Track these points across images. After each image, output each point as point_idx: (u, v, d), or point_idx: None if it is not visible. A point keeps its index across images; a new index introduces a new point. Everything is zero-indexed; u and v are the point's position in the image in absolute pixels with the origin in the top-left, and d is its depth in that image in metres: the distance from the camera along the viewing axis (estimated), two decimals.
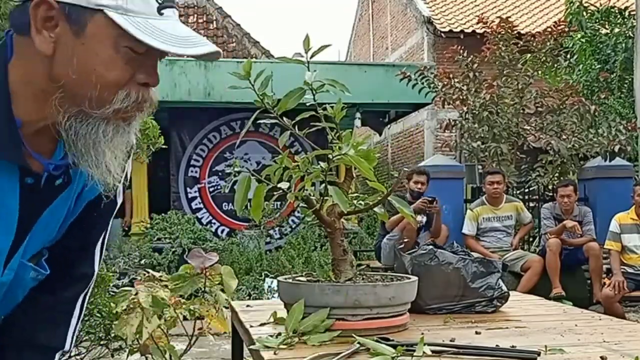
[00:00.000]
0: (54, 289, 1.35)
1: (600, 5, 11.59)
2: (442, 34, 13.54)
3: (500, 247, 6.98)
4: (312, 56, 1.80)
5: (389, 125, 12.84)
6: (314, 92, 1.78)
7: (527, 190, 8.69)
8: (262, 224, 8.97)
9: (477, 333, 1.85)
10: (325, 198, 1.77)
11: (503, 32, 8.73)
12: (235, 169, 2.12)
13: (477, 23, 9.82)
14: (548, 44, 8.86)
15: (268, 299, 6.43)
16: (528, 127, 8.64)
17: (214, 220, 9.76)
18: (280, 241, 9.36)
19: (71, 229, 1.32)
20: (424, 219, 6.91)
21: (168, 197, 9.66)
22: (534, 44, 8.83)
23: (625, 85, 10.72)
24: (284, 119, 1.82)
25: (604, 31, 11.31)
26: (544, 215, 7.06)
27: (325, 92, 1.81)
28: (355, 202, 1.88)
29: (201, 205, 9.82)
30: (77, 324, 1.41)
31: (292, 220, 9.81)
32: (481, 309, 2.19)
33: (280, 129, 1.83)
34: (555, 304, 2.66)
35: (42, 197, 1.22)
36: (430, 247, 2.30)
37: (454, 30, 13.44)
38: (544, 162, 8.28)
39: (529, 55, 8.76)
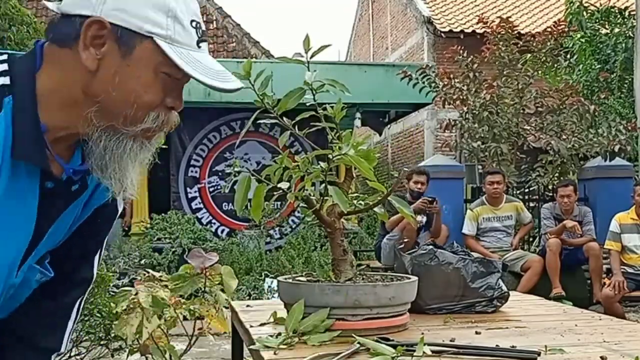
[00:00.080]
0: (54, 293, 1.37)
1: (600, 5, 11.59)
2: (442, 34, 13.54)
3: (500, 247, 6.98)
4: (312, 56, 1.80)
5: (389, 125, 12.84)
6: (314, 92, 1.78)
7: (527, 190, 8.69)
8: (262, 224, 8.97)
9: (477, 333, 1.86)
10: (325, 198, 1.77)
11: (503, 32, 8.73)
12: (235, 169, 2.13)
13: (477, 23, 9.82)
14: (548, 44, 8.86)
15: (268, 299, 6.43)
16: (528, 127, 8.64)
17: (214, 220, 9.76)
18: (280, 241, 9.36)
19: (75, 234, 1.34)
20: (424, 219, 6.91)
21: (168, 197, 9.66)
22: (534, 44, 8.83)
23: (625, 85, 10.72)
24: (284, 119, 1.82)
25: (604, 31, 11.31)
26: (544, 215, 7.06)
27: (325, 92, 1.81)
28: (355, 202, 1.88)
29: (201, 205, 9.82)
30: (72, 327, 1.44)
31: (292, 220, 9.81)
32: (481, 309, 2.19)
33: (280, 129, 1.83)
34: (555, 304, 2.66)
35: (59, 202, 1.25)
36: (430, 247, 2.30)
37: (454, 30, 13.43)
38: (544, 162, 8.28)
39: (529, 55, 8.76)
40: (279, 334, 1.72)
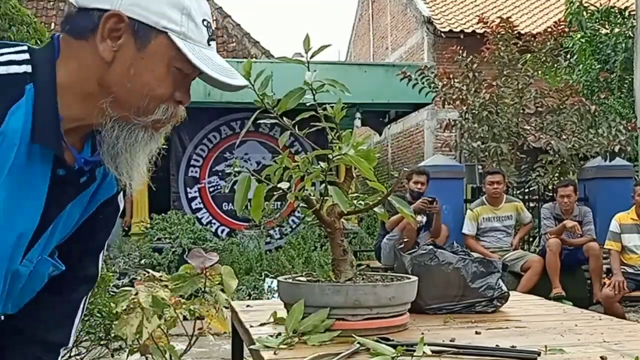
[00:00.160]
0: (62, 288, 1.40)
1: (600, 5, 11.59)
2: (442, 34, 13.54)
3: (500, 247, 6.98)
4: (312, 56, 1.80)
5: (389, 125, 12.84)
6: (314, 92, 1.78)
7: (527, 190, 8.69)
8: (262, 224, 8.97)
9: (477, 333, 1.86)
10: (325, 198, 1.77)
11: (503, 32, 8.73)
12: (235, 169, 2.13)
13: (477, 23, 9.82)
14: (548, 44, 8.86)
15: (268, 299, 6.43)
16: (528, 127, 8.64)
17: (214, 220, 9.76)
18: (280, 241, 9.36)
19: (80, 229, 1.36)
20: (424, 219, 6.91)
21: (168, 197, 9.66)
22: (534, 44, 8.83)
23: (625, 85, 10.72)
24: (284, 119, 1.82)
25: (604, 31, 11.31)
26: (544, 215, 7.06)
27: (325, 92, 1.81)
28: (355, 202, 1.88)
29: (201, 205, 9.82)
30: (78, 322, 1.47)
31: (292, 220, 9.81)
32: (481, 309, 2.19)
33: (280, 129, 1.83)
34: (555, 304, 2.66)
35: (68, 191, 1.28)
36: (430, 247, 2.30)
37: (454, 30, 13.43)
38: (544, 162, 8.28)
39: (529, 55, 8.76)
40: (279, 334, 1.72)
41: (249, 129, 2.20)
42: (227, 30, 13.60)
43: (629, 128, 8.49)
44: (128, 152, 1.23)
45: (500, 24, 8.82)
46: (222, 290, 2.87)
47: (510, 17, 10.01)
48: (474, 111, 8.45)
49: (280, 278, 1.97)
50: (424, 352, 1.52)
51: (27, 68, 1.18)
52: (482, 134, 8.41)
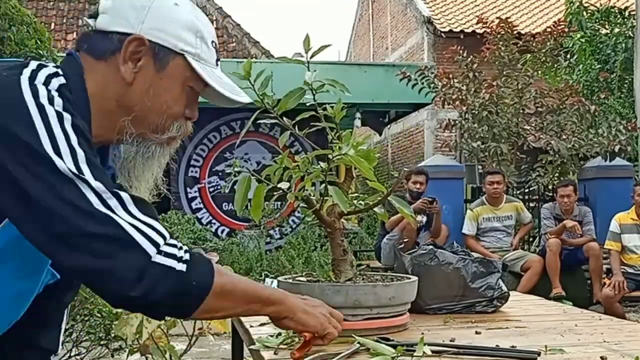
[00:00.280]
0: (53, 294, 1.40)
1: (600, 5, 11.59)
2: (442, 34, 13.54)
3: (500, 247, 6.98)
4: (312, 56, 1.80)
5: (389, 125, 12.85)
6: (314, 92, 1.78)
7: (527, 190, 8.69)
8: (262, 224, 8.97)
9: (477, 333, 1.85)
10: (325, 198, 1.77)
11: (503, 32, 8.73)
12: (235, 169, 2.12)
13: (477, 23, 9.82)
14: (548, 44, 8.86)
15: None
16: (528, 127, 8.64)
17: (214, 220, 9.76)
18: (280, 241, 9.37)
19: None
20: (424, 219, 6.91)
21: (168, 197, 9.65)
22: (534, 44, 8.84)
23: (625, 85, 10.72)
24: (284, 119, 1.82)
25: (604, 31, 11.32)
26: (544, 215, 7.06)
27: (325, 92, 1.81)
28: (355, 202, 1.88)
29: (201, 205, 9.82)
30: (64, 329, 1.49)
31: (292, 220, 9.82)
32: (481, 309, 2.19)
33: (280, 129, 1.83)
34: (555, 304, 2.66)
35: None
36: (430, 247, 2.30)
37: (454, 30, 13.44)
38: (544, 162, 8.28)
39: (528, 55, 8.77)
40: (279, 334, 1.72)
41: (249, 129, 2.20)
42: (227, 30, 13.61)
43: (629, 128, 8.49)
44: (143, 166, 1.31)
45: (500, 24, 8.82)
46: None
47: (510, 17, 10.04)
48: (474, 111, 8.46)
49: (280, 278, 1.97)
50: (424, 352, 1.52)
51: (61, 80, 1.21)
52: (482, 134, 8.41)
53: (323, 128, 1.85)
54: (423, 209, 6.71)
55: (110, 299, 1.18)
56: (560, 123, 8.57)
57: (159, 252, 1.15)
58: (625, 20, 11.07)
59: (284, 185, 1.79)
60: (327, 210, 1.82)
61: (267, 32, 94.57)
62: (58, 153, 1.10)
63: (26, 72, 1.17)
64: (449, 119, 9.15)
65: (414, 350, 1.52)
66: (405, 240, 6.00)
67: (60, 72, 1.22)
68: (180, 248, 1.19)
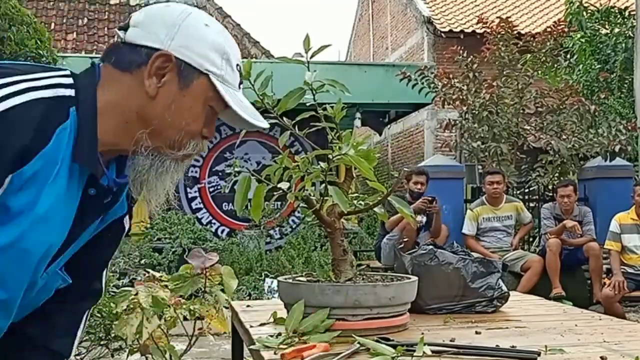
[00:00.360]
0: (67, 300, 1.43)
1: (600, 5, 11.59)
2: (442, 34, 13.54)
3: (500, 247, 6.98)
4: (312, 56, 1.80)
5: (389, 125, 12.84)
6: (314, 92, 1.78)
7: (527, 190, 8.68)
8: (262, 224, 8.97)
9: (477, 333, 1.86)
10: (325, 198, 1.77)
11: (503, 32, 8.73)
12: (235, 169, 2.13)
13: (477, 23, 9.82)
14: (548, 44, 8.86)
15: (268, 299, 6.43)
16: (528, 127, 8.64)
17: (214, 220, 9.76)
18: (280, 241, 9.36)
19: (89, 244, 1.40)
20: (424, 219, 6.91)
21: (168, 197, 9.63)
22: (534, 44, 8.83)
23: (625, 85, 10.72)
24: (284, 119, 1.82)
25: (604, 31, 11.31)
26: (544, 215, 7.06)
27: (325, 92, 1.81)
28: (355, 202, 1.88)
29: (201, 205, 9.82)
30: (81, 335, 1.51)
31: (292, 220, 9.81)
32: (481, 309, 2.19)
33: (280, 129, 1.83)
34: (555, 304, 2.66)
35: (93, 211, 1.34)
36: (430, 247, 2.30)
37: (454, 30, 13.43)
38: (544, 162, 8.28)
39: (528, 55, 8.76)
40: (279, 334, 1.72)
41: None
42: (227, 30, 13.61)
43: (629, 128, 8.49)
44: (156, 181, 1.32)
45: (500, 24, 8.82)
46: (222, 290, 2.87)
47: (510, 17, 10.02)
48: (474, 111, 8.45)
49: (280, 278, 1.97)
50: (424, 352, 1.52)
51: (71, 92, 1.23)
52: (482, 134, 8.41)
53: (323, 128, 1.85)
54: (423, 208, 6.71)
55: None
56: (560, 123, 8.57)
57: None
58: (625, 20, 11.07)
59: (284, 185, 1.79)
60: (327, 210, 1.83)
61: (267, 32, 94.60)
62: None
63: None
64: (449, 119, 9.14)
65: (414, 350, 1.52)
66: (405, 240, 6.00)
67: (69, 83, 1.23)
68: None
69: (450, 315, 2.12)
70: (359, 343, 1.58)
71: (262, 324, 1.98)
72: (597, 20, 11.34)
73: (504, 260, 6.26)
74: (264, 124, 1.35)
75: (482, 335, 1.83)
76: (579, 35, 11.14)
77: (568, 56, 11.20)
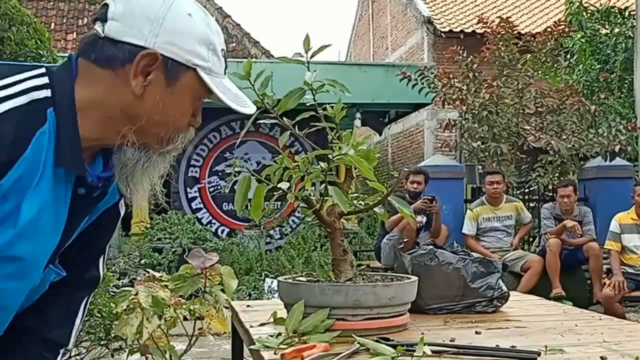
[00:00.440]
0: (63, 291, 1.42)
1: (600, 5, 11.59)
2: (442, 34, 13.54)
3: (500, 247, 6.98)
4: (312, 56, 1.80)
5: (389, 125, 12.85)
6: (314, 92, 1.78)
7: (527, 190, 8.68)
8: (262, 224, 8.97)
9: (477, 333, 1.86)
10: (325, 198, 1.77)
11: (503, 32, 8.73)
12: (235, 169, 2.13)
13: (477, 23, 9.82)
14: (548, 44, 8.86)
15: (268, 299, 6.43)
16: (528, 127, 8.64)
17: (214, 220, 9.76)
18: (281, 241, 9.36)
19: (83, 235, 1.39)
20: (424, 219, 6.91)
21: (168, 197, 9.65)
22: (534, 44, 8.83)
23: (625, 85, 10.72)
24: (284, 119, 1.82)
25: (604, 31, 11.31)
26: (544, 215, 7.06)
27: (325, 92, 1.82)
28: (355, 202, 1.88)
29: (201, 205, 9.82)
30: (79, 325, 1.49)
31: (292, 220, 9.81)
32: (481, 309, 2.19)
33: (280, 129, 1.83)
34: (555, 304, 2.66)
35: (85, 208, 1.32)
36: (430, 247, 2.30)
37: (454, 30, 13.44)
38: (544, 162, 8.28)
39: (529, 55, 8.76)
40: (279, 334, 1.72)
41: (249, 129, 2.20)
42: (227, 30, 13.61)
43: (629, 128, 8.49)
44: (142, 176, 1.29)
45: (500, 24, 8.82)
46: (222, 290, 2.87)
47: (510, 17, 10.01)
48: (474, 111, 8.45)
49: (280, 278, 1.97)
50: (424, 352, 1.52)
51: (47, 93, 1.19)
52: (482, 134, 8.41)
53: (323, 128, 1.85)
54: (423, 208, 6.71)
55: None
56: (560, 123, 8.57)
57: None
58: (625, 20, 11.07)
59: (284, 185, 1.79)
60: (327, 210, 1.83)
61: (267, 32, 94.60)
62: None
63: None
64: (449, 119, 9.14)
65: (414, 350, 1.52)
66: (405, 240, 6.00)
67: (43, 83, 1.20)
68: None
69: (450, 315, 2.12)
70: (359, 343, 1.58)
71: (262, 324, 1.98)
72: (597, 20, 11.34)
73: (504, 260, 6.26)
74: (251, 109, 1.33)
75: (482, 335, 1.83)
76: (579, 35, 11.14)
77: (568, 56, 11.20)
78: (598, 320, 2.13)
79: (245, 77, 1.71)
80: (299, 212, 9.35)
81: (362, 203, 1.89)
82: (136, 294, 2.81)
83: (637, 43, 9.15)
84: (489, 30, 8.95)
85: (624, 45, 10.80)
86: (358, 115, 9.58)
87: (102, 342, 3.56)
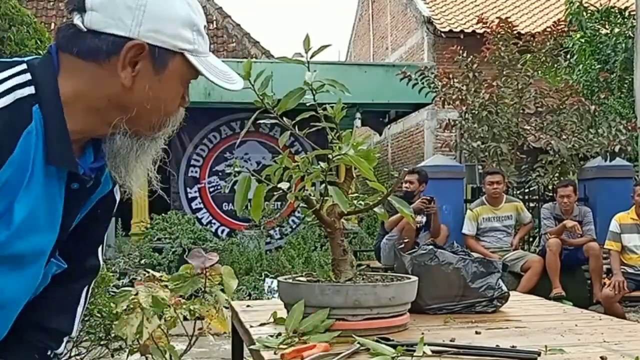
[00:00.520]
0: (64, 280, 1.42)
1: (600, 5, 11.59)
2: (442, 34, 13.54)
3: (500, 247, 6.98)
4: (312, 56, 1.80)
5: (389, 125, 12.84)
6: (314, 92, 1.78)
7: (527, 190, 8.68)
8: (262, 224, 8.97)
9: (477, 333, 1.86)
10: (325, 198, 1.77)
11: (503, 32, 8.72)
12: (235, 169, 2.13)
13: (477, 23, 9.82)
14: (548, 44, 8.85)
15: (268, 299, 6.43)
16: (528, 127, 8.64)
17: (214, 221, 9.76)
18: (281, 241, 9.36)
19: (80, 225, 1.39)
20: (424, 219, 6.91)
21: (168, 197, 9.64)
22: (534, 44, 8.83)
23: (625, 85, 10.72)
24: (284, 119, 1.82)
25: (604, 31, 11.31)
26: (544, 216, 7.06)
27: (325, 92, 1.81)
28: (355, 202, 1.88)
29: (201, 205, 9.82)
30: (82, 312, 1.50)
31: (292, 220, 9.81)
32: (481, 309, 2.19)
33: (280, 129, 1.83)
34: (555, 304, 2.66)
35: (80, 202, 1.32)
36: (430, 247, 2.30)
37: (454, 30, 13.44)
38: (544, 162, 8.28)
39: (528, 55, 8.76)
40: (279, 334, 1.72)
41: (249, 129, 2.20)
42: (227, 30, 13.60)
43: (629, 128, 8.49)
44: (136, 162, 1.28)
45: (500, 24, 8.82)
46: (222, 290, 2.87)
47: (510, 17, 10.03)
48: (473, 111, 8.45)
49: (280, 278, 1.97)
50: (424, 352, 1.52)
51: (31, 89, 1.17)
52: (482, 134, 8.41)
53: (323, 128, 1.85)
54: (422, 208, 6.71)
55: None
56: (560, 123, 8.57)
57: None
58: (625, 20, 11.07)
59: (284, 185, 1.79)
60: (327, 210, 1.83)
61: (267, 32, 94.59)
62: None
63: None
64: (449, 119, 9.14)
65: (414, 350, 1.52)
66: (405, 240, 6.00)
67: (26, 80, 1.17)
68: None
69: (450, 315, 2.12)
70: (359, 343, 1.58)
71: (262, 324, 1.97)
72: (597, 20, 11.35)
73: (504, 260, 6.27)
74: (237, 85, 1.31)
75: (482, 335, 1.83)
76: (579, 35, 11.15)
77: (568, 56, 11.20)
78: (598, 320, 2.13)
79: (246, 77, 1.71)
80: (299, 212, 9.35)
81: (362, 203, 1.89)
82: (136, 294, 2.81)
83: (637, 43, 9.15)
84: (488, 30, 8.95)
85: (624, 45, 10.80)
86: (358, 115, 9.58)
87: (102, 342, 3.56)
